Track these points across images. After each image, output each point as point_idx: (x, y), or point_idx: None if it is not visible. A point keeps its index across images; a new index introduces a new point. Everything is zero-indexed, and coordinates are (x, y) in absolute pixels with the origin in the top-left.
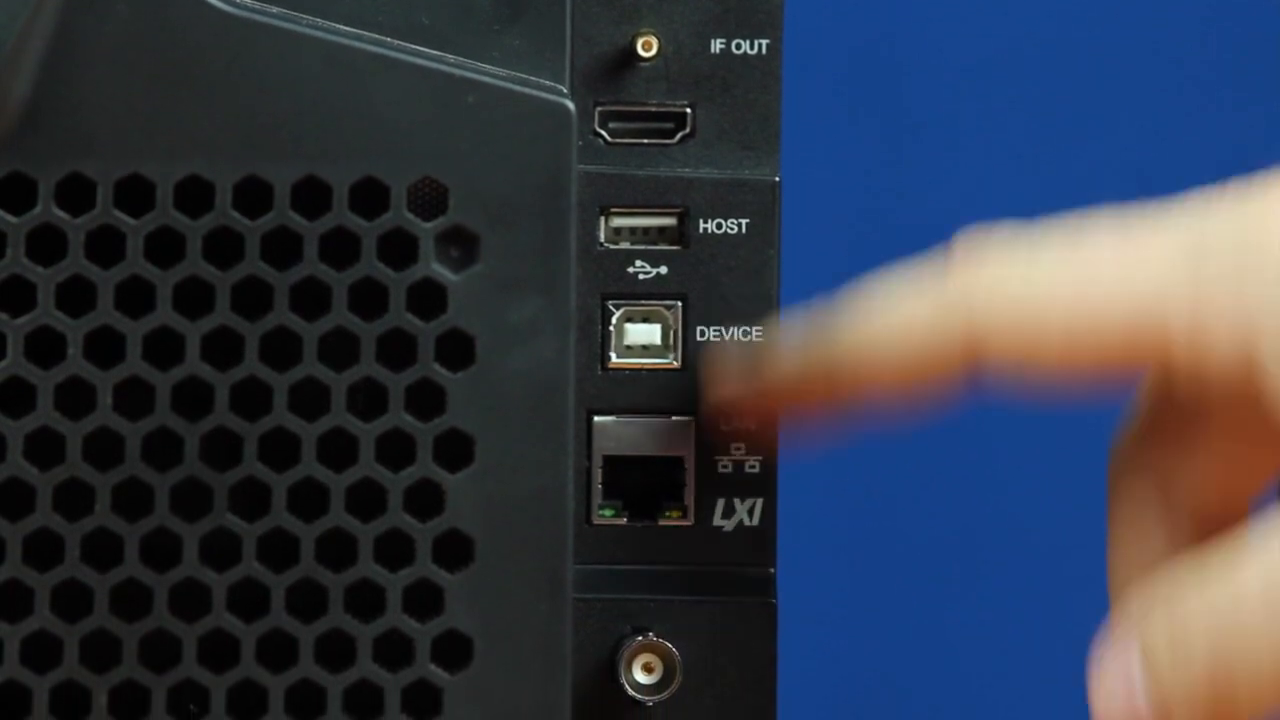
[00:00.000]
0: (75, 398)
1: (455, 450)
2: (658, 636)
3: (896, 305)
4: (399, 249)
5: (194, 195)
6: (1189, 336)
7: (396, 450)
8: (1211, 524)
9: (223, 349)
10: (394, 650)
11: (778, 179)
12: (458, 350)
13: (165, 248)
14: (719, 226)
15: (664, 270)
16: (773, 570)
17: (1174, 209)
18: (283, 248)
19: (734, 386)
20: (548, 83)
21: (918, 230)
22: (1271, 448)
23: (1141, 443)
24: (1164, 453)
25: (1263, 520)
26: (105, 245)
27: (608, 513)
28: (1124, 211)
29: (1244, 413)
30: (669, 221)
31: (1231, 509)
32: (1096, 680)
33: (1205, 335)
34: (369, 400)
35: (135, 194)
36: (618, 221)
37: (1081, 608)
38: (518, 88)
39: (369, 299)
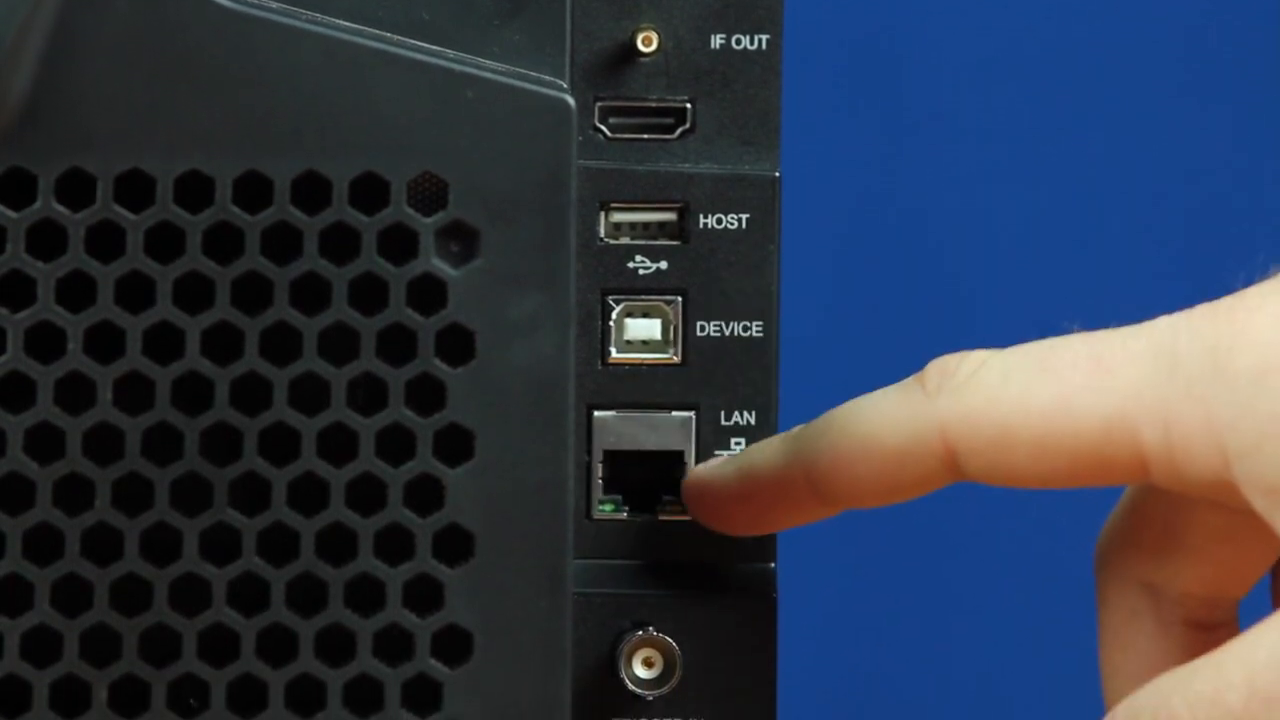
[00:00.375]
0: (75, 393)
1: (455, 445)
2: (658, 631)
3: (874, 427)
4: (399, 244)
5: (194, 190)
6: (1163, 443)
7: (396, 445)
8: (1201, 630)
9: (223, 344)
10: (394, 645)
11: (778, 174)
12: (458, 345)
13: (165, 243)
14: (719, 222)
15: (664, 265)
16: (773, 565)
17: (1145, 323)
18: (283, 243)
19: (719, 488)
20: (548, 78)
21: (917, 226)
22: (1253, 548)
23: (1128, 547)
24: (1152, 561)
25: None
26: (105, 240)
27: (608, 507)
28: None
29: (1224, 514)
30: (669, 217)
31: (1218, 614)
32: None
33: (1179, 441)
34: (369, 395)
35: (135, 189)
36: (618, 217)
37: (1081, 607)
38: (518, 83)
39: (369, 294)
